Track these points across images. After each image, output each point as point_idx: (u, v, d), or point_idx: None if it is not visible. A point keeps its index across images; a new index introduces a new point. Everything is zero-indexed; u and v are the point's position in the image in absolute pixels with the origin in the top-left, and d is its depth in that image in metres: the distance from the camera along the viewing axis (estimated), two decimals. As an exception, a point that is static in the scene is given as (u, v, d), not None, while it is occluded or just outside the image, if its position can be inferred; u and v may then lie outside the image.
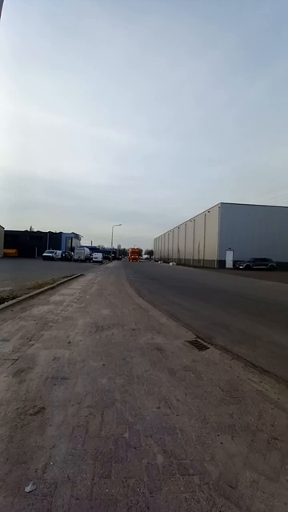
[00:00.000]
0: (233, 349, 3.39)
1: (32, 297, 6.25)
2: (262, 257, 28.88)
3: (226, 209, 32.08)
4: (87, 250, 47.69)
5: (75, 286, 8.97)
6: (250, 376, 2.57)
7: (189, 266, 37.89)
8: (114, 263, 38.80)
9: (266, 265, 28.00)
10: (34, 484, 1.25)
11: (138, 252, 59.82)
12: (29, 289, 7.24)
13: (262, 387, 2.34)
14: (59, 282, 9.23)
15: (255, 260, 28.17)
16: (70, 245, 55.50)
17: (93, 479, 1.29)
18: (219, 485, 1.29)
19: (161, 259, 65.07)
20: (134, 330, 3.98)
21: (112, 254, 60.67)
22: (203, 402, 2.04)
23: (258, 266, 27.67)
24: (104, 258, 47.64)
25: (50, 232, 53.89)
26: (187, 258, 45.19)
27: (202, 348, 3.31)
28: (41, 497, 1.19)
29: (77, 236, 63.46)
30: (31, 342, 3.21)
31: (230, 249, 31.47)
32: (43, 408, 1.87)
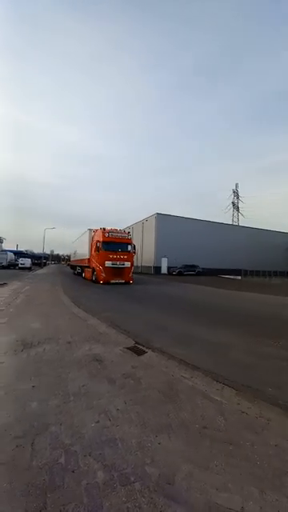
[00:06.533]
0: (169, 349, 3.60)
1: None
2: (192, 263, 32.43)
3: (161, 219, 34.56)
4: (11, 255, 41.78)
5: (-2, 298, 7.71)
6: (182, 373, 2.80)
7: (127, 272, 38.47)
8: (45, 269, 35.42)
9: (195, 270, 31.62)
10: None
11: (130, 241, 16.09)
12: None
13: (192, 382, 2.58)
14: (-24, 294, 7.75)
15: (186, 266, 31.39)
16: (-13, 249, 47.40)
17: (22, 522, 1.12)
18: (159, 485, 1.33)
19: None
20: (69, 342, 3.72)
21: (44, 260, 55.04)
22: (142, 406, 2.09)
23: (188, 271, 30.96)
24: (33, 263, 42.83)
25: None
26: (125, 264, 45.86)
27: (140, 353, 3.40)
28: None
29: (-4, 238, 54.93)
30: None
31: (165, 256, 33.86)
32: None
